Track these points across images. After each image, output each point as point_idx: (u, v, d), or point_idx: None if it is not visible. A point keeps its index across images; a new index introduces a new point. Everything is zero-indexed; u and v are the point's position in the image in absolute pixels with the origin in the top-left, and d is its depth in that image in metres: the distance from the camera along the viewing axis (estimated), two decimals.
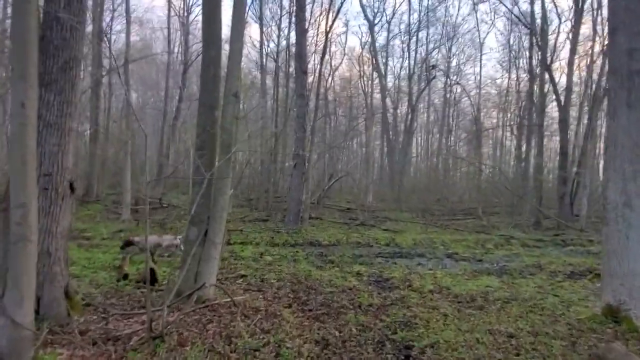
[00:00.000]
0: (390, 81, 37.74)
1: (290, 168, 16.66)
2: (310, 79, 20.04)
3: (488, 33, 46.57)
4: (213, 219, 6.08)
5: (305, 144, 14.87)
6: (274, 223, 15.87)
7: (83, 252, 9.60)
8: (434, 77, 29.50)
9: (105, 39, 21.48)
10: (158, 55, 28.11)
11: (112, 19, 23.01)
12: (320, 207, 21.32)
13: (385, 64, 35.63)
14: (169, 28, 25.45)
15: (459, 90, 36.27)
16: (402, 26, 43.55)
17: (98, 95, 22.76)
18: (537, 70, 23.93)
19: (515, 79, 31.83)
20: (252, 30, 45.19)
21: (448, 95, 36.88)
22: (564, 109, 20.97)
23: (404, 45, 36.23)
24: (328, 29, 17.72)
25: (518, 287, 7.73)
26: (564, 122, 21.10)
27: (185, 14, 27.66)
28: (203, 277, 5.98)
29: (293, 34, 18.51)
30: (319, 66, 16.81)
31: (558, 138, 23.40)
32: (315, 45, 23.17)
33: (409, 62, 34.93)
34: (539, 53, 22.61)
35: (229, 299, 5.86)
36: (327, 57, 19.59)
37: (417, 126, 40.10)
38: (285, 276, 8.03)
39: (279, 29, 26.44)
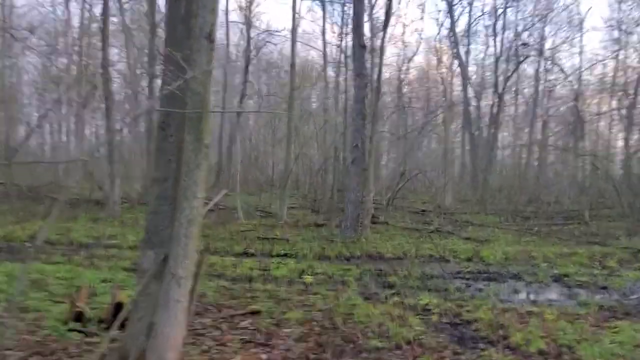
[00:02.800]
0: (472, 70, 33.80)
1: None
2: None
3: (590, 8, 40.44)
4: (175, 239, 3.79)
5: (366, 134, 12.26)
6: (331, 229, 13.45)
7: (83, 269, 7.83)
8: (526, 58, 25.36)
9: None
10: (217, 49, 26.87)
11: None
12: (390, 209, 18.54)
13: (467, 51, 31.79)
14: (226, 19, 24.10)
15: (553, 76, 31.51)
16: (487, 8, 39.18)
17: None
18: None
19: (624, 59, 26.80)
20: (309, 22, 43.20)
21: (542, 81, 32.14)
22: None
23: (488, 29, 32.17)
24: None
25: None
26: None
27: (247, 3, 26.17)
28: (158, 334, 3.71)
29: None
30: (380, 41, 14.04)
31: None
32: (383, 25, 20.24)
33: (495, 47, 30.83)
34: None
35: None
36: (388, 28, 16.54)
37: (504, 118, 35.62)
38: (315, 315, 5.57)
39: (343, 11, 24.03)
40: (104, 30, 15.01)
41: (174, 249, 3.77)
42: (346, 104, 24.32)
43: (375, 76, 15.48)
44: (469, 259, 10.37)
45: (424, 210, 19.86)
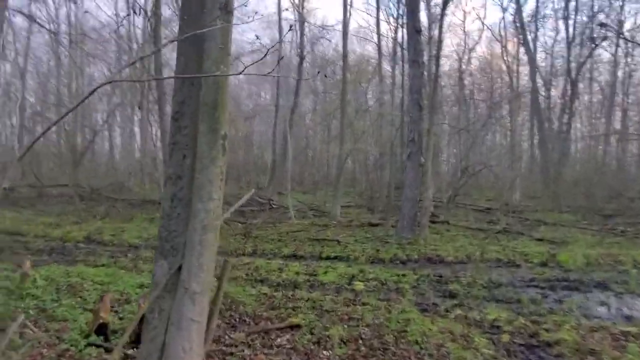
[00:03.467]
0: (540, 58, 31.29)
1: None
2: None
3: None
4: (189, 248, 3.22)
5: (423, 126, 11.30)
6: (386, 229, 12.59)
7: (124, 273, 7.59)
8: (603, 39, 22.96)
9: None
10: (267, 44, 26.69)
11: None
12: (451, 207, 17.33)
13: (534, 38, 29.43)
14: (279, 15, 23.79)
15: (633, 59, 28.39)
16: None
17: None
18: None
19: None
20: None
21: (620, 65, 29.12)
22: None
23: (557, 13, 29.60)
24: None
25: None
26: None
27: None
28: (171, 355, 3.17)
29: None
30: (438, 26, 12.90)
31: None
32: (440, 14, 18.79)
33: (568, 29, 28.28)
34: None
35: None
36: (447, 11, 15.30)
37: (578, 107, 32.74)
38: (363, 332, 4.85)
39: (399, 2, 22.93)
40: (156, 31, 15.07)
41: (188, 259, 3.21)
42: (403, 98, 23.33)
43: (433, 65, 14.39)
44: (543, 264, 9.16)
45: (489, 208, 18.41)
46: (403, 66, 22.57)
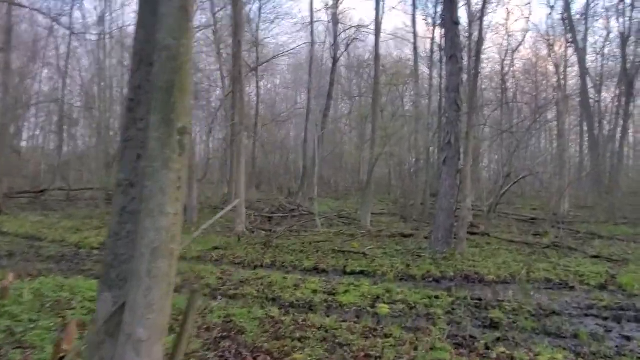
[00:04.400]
0: (590, 59, 29.19)
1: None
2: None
3: None
4: (135, 280, 2.41)
5: (461, 128, 10.21)
6: (419, 241, 11.52)
7: None
8: None
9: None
10: (301, 47, 26.14)
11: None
12: (492, 218, 15.99)
13: (584, 37, 27.47)
14: (311, 17, 23.13)
15: None
16: None
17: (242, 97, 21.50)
18: None
19: None
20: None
21: None
22: None
23: (609, 10, 27.52)
24: None
25: None
26: None
27: (333, 0, 25.06)
28: None
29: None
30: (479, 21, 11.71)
31: None
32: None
33: (625, 27, 26.20)
34: None
35: None
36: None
37: (633, 110, 30.34)
38: None
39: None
40: None
41: (132, 295, 2.40)
42: (440, 101, 22.17)
43: (472, 63, 13.22)
44: (602, 287, 7.90)
45: (534, 219, 16.96)
46: (441, 68, 21.45)
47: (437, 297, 6.85)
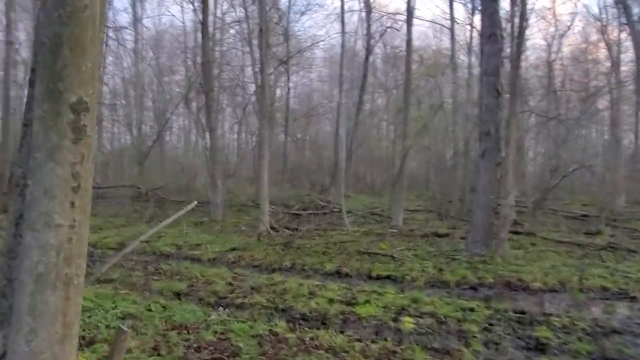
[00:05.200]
0: None
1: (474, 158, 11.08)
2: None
3: None
4: (15, 318, 1.71)
5: (502, 116, 9.12)
6: (454, 242, 10.50)
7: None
8: None
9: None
10: (336, 40, 25.26)
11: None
12: (538, 215, 14.65)
13: None
14: (342, 5, 22.21)
15: None
16: None
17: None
18: None
19: None
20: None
21: None
22: None
23: None
24: None
25: None
26: None
27: None
28: None
29: None
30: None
31: None
32: None
33: None
34: None
35: None
36: None
37: None
38: None
39: None
40: (204, 28, 14.26)
41: (12, 339, 1.71)
42: (481, 91, 20.80)
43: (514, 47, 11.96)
44: None
45: (585, 216, 15.44)
46: (481, 56, 20.12)
47: (472, 310, 5.93)
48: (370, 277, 8.03)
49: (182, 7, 24.69)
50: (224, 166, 23.78)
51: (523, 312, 5.94)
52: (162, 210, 15.83)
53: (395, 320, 5.56)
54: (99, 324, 4.78)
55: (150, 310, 5.38)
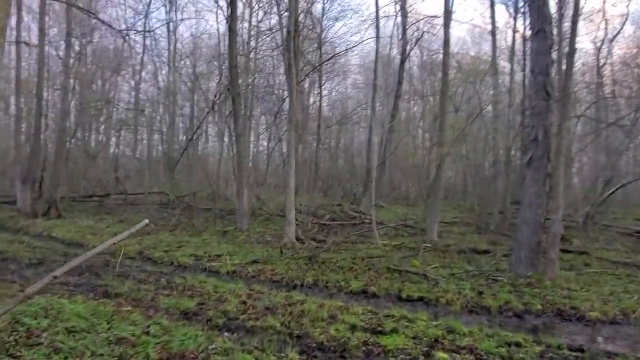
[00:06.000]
0: None
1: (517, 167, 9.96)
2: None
3: None
4: None
5: (552, 121, 8.13)
6: (497, 260, 9.50)
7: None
8: None
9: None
10: (370, 46, 24.51)
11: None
12: (590, 231, 13.35)
13: None
14: (377, 9, 21.48)
15: None
16: None
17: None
18: None
19: None
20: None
21: None
22: None
23: None
24: None
25: None
26: None
27: None
28: None
29: None
30: None
31: None
32: None
33: None
34: None
35: None
36: None
37: None
38: None
39: None
40: (231, 33, 13.90)
41: None
42: (524, 96, 19.69)
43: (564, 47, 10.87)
44: None
45: None
46: (524, 61, 19.00)
47: (518, 345, 5.05)
48: (399, 299, 7.21)
49: (216, 15, 24.69)
50: (254, 173, 23.45)
51: (581, 350, 5.02)
52: (189, 218, 15.47)
53: (427, 355, 4.76)
54: (85, 351, 4.20)
55: (147, 333, 4.79)
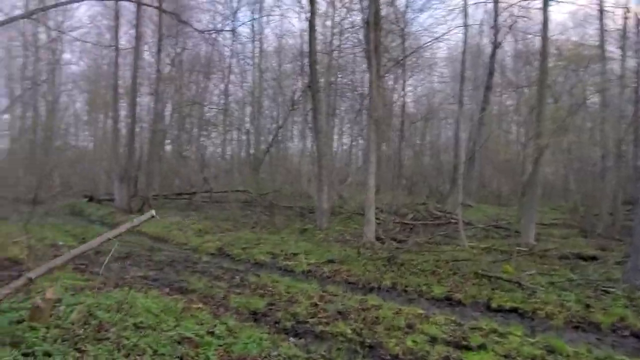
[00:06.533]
0: None
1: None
2: None
3: None
4: None
5: None
6: (608, 267, 8.21)
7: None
8: None
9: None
10: (456, 35, 23.13)
11: None
12: None
13: None
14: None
15: None
16: None
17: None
18: None
19: None
20: None
21: None
22: None
23: None
24: None
25: None
26: None
27: None
28: None
29: None
30: None
31: None
32: None
33: None
34: None
35: None
36: None
37: None
38: None
39: None
40: (310, 30, 13.76)
41: None
42: (638, 86, 17.45)
43: None
44: None
45: None
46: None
47: None
48: (488, 309, 6.43)
49: (299, 15, 24.87)
50: (336, 171, 23.20)
51: None
52: (270, 216, 15.57)
53: None
54: (147, 349, 4.09)
55: (212, 334, 4.60)
